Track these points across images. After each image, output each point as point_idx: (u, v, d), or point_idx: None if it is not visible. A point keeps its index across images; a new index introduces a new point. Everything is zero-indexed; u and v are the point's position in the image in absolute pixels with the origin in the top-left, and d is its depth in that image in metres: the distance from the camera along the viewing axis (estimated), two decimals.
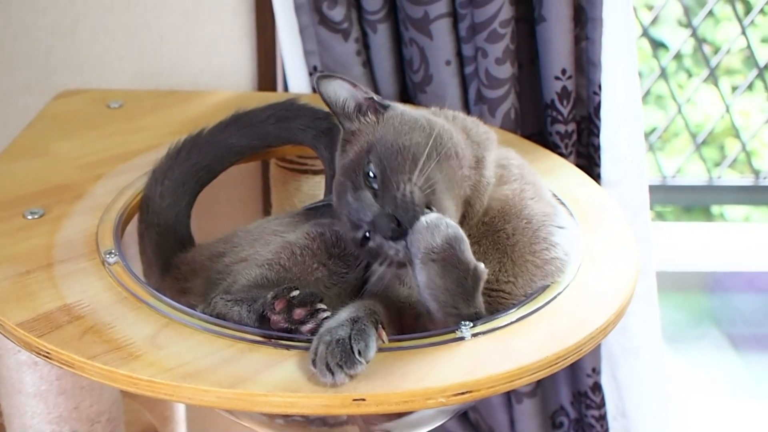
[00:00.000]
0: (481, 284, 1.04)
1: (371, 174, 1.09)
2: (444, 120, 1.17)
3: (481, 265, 1.04)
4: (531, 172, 1.23)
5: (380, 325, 1.00)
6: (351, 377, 0.95)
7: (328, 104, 1.17)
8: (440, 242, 1.01)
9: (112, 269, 1.15)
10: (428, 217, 1.03)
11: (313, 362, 0.95)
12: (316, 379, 0.95)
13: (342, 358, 0.94)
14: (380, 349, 0.99)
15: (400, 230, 1.04)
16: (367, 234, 1.10)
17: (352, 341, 0.95)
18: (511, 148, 1.27)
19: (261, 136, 1.42)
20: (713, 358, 2.44)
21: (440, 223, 1.02)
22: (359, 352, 0.95)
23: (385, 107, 1.17)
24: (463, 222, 1.10)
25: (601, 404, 1.85)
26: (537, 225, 1.14)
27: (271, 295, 1.04)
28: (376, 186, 1.08)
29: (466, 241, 1.03)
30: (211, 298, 1.13)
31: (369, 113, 1.16)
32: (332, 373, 0.94)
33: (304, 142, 1.41)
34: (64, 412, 1.27)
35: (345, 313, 1.01)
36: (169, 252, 1.34)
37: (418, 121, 1.13)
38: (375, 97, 1.17)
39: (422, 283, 1.04)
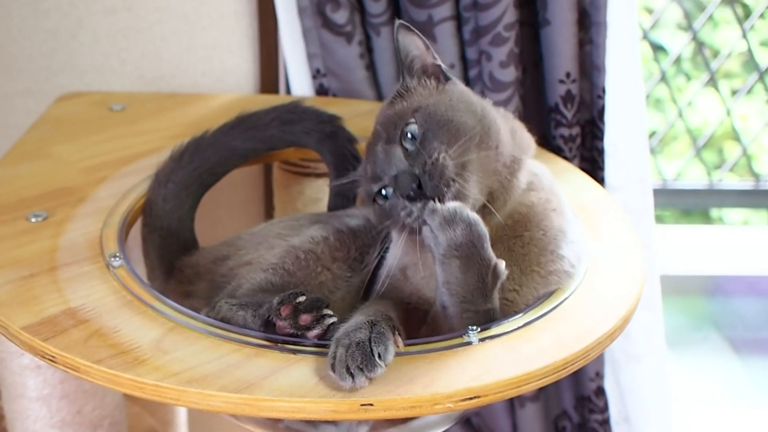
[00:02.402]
0: (499, 283, 1.04)
1: (410, 134, 1.08)
2: (496, 114, 1.17)
3: (502, 264, 1.04)
4: (558, 187, 1.22)
5: (396, 331, 0.99)
6: (370, 380, 0.94)
7: (398, 51, 1.16)
8: (462, 240, 1.01)
9: (116, 273, 1.14)
10: (448, 209, 1.02)
11: (332, 366, 0.94)
12: (331, 383, 0.94)
13: (363, 360, 0.93)
14: None
15: (420, 193, 1.04)
16: (384, 192, 1.09)
17: (372, 344, 0.95)
18: (542, 164, 1.26)
19: (265, 139, 1.41)
20: (714, 362, 2.44)
21: (462, 217, 1.01)
22: (379, 355, 0.94)
23: (447, 79, 1.17)
24: (485, 214, 1.08)
25: (604, 409, 1.84)
26: (550, 238, 1.13)
27: (276, 300, 1.03)
28: (409, 147, 1.07)
29: (487, 236, 1.03)
30: (215, 302, 1.13)
31: (431, 78, 1.17)
32: (352, 377, 0.93)
33: (308, 145, 1.40)
34: (67, 416, 1.27)
35: (362, 317, 1.00)
36: (172, 255, 1.34)
37: (473, 104, 1.13)
38: (443, 66, 1.17)
39: (442, 278, 1.03)
